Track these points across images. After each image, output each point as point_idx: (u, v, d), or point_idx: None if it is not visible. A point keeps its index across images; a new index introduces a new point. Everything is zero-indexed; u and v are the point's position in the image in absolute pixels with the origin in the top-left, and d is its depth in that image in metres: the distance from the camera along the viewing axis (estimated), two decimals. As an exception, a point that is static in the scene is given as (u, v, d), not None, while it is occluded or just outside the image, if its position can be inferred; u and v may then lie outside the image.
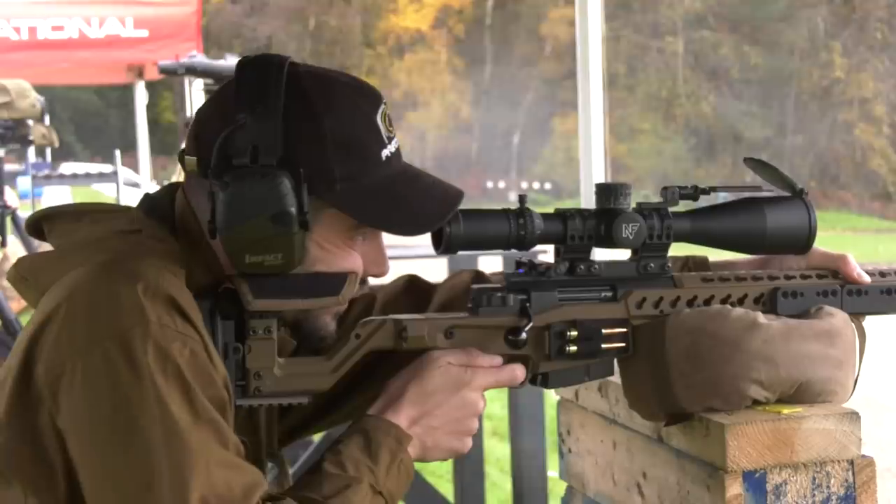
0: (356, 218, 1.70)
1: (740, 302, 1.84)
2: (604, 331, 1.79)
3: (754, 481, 1.72)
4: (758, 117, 41.54)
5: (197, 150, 1.70)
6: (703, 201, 1.87)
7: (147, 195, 1.81)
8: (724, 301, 1.83)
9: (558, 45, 32.31)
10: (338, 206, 1.68)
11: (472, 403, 1.74)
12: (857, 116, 41.73)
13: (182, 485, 1.48)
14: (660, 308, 1.81)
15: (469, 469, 4.94)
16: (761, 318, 1.78)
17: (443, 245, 1.73)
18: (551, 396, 5.34)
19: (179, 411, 1.51)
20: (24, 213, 7.25)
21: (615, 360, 1.86)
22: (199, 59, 7.44)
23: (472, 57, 35.44)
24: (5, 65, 8.59)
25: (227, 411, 1.59)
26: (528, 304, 1.77)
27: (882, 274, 1.92)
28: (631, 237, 1.78)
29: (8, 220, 6.48)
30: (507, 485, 5.96)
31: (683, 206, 1.85)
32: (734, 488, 1.71)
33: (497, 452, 7.07)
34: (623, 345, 1.81)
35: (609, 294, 1.82)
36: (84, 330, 1.55)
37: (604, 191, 1.79)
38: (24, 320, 5.73)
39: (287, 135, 1.64)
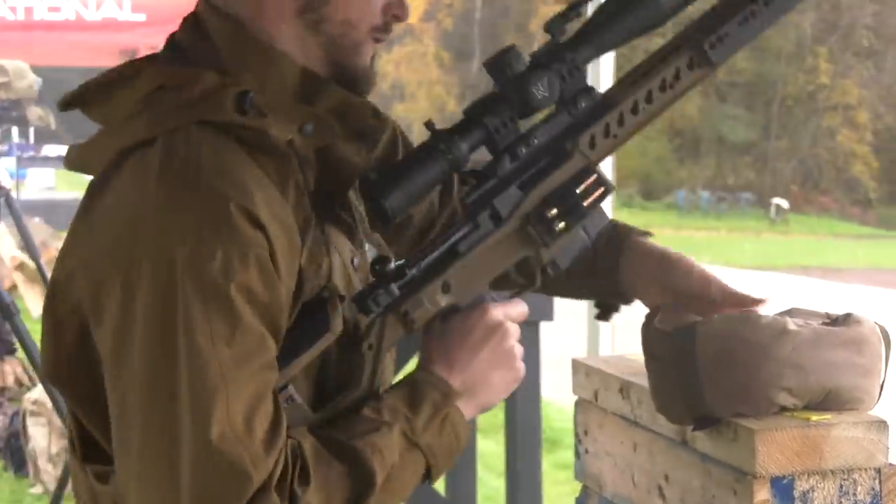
0: None
1: (676, 77, 1.75)
2: (577, 190, 1.71)
3: (782, 487, 1.73)
4: (742, 120, 41.69)
5: None
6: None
7: (170, 37, 1.69)
8: (662, 88, 1.74)
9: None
10: None
11: (514, 353, 1.70)
12: (841, 122, 41.88)
13: (205, 417, 1.42)
14: (613, 133, 1.73)
15: (460, 466, 4.95)
16: (790, 324, 1.78)
17: (387, 219, 1.62)
18: (546, 398, 5.33)
19: (214, 338, 1.43)
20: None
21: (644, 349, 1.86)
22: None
23: (459, 51, 35.46)
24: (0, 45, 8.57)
25: (281, 319, 1.52)
26: (499, 215, 1.69)
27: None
28: (547, 93, 1.67)
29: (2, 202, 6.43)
30: (495, 482, 5.98)
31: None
32: (762, 494, 1.72)
33: (482, 449, 7.08)
34: (602, 189, 1.73)
35: (559, 153, 1.72)
36: (131, 243, 1.47)
37: (495, 66, 1.67)
38: (20, 302, 5.72)
39: None
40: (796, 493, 1.74)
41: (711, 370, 1.76)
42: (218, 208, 1.46)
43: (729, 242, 29.47)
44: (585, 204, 1.71)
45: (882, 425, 1.77)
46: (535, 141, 1.69)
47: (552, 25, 1.68)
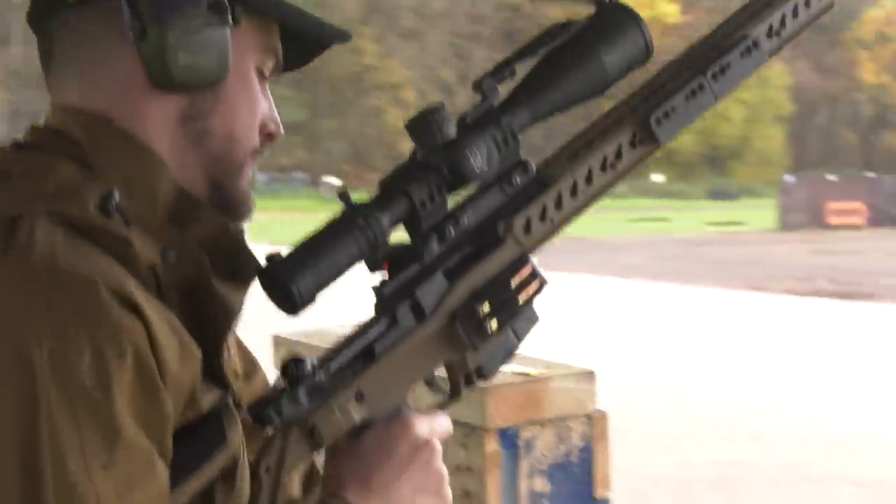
0: (280, 19, 1.42)
1: (617, 156, 1.49)
2: (511, 283, 1.44)
3: (508, 437, 1.89)
4: (292, 100, 42.28)
5: None
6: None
7: (13, 143, 1.39)
8: (602, 167, 1.48)
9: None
10: (259, 10, 1.39)
11: (443, 476, 1.45)
12: (388, 101, 43.23)
13: None
14: (550, 217, 1.46)
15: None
16: None
17: (293, 306, 1.34)
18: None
19: (89, 461, 1.16)
20: None
21: None
22: None
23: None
24: None
25: (168, 425, 1.25)
26: (422, 309, 1.41)
27: None
28: (486, 166, 1.42)
29: None
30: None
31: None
32: (491, 445, 1.88)
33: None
34: (538, 283, 1.46)
35: (491, 237, 1.45)
36: None
37: (420, 127, 1.40)
38: None
39: None
40: (521, 443, 1.91)
41: None
42: (82, 290, 1.18)
43: (284, 223, 29.89)
44: (520, 300, 1.45)
45: (591, 375, 1.96)
46: (464, 219, 1.42)
47: (484, 85, 1.43)
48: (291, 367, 1.34)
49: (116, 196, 1.27)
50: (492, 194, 1.44)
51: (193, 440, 1.27)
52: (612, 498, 2.20)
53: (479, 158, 1.40)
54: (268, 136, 1.43)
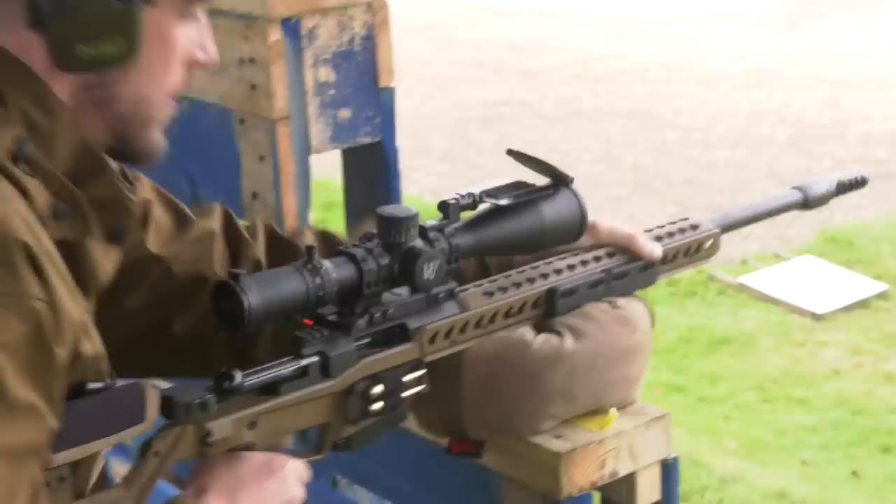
0: None
1: (520, 310, 1.72)
2: (403, 379, 1.61)
3: (291, 27, 1.90)
4: None
5: None
6: None
7: None
8: (506, 314, 1.70)
9: None
10: None
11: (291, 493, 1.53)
12: None
13: None
14: (451, 338, 1.66)
15: None
16: (568, 343, 1.74)
17: (243, 322, 1.44)
18: None
19: None
20: None
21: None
22: None
23: None
24: None
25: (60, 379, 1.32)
26: (329, 371, 1.55)
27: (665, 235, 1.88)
28: (432, 277, 1.59)
29: None
30: None
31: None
32: (274, 35, 1.88)
33: None
34: (422, 386, 1.64)
35: (401, 333, 1.62)
36: None
37: (392, 223, 1.57)
38: None
39: None
40: (303, 31, 1.91)
41: (476, 395, 1.75)
42: (3, 248, 1.24)
43: None
44: (404, 395, 1.62)
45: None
46: (391, 312, 1.59)
47: (449, 209, 1.63)
48: (224, 379, 1.43)
49: (31, 147, 1.31)
50: (418, 300, 1.61)
51: (112, 403, 1.35)
52: (396, 87, 2.23)
53: (430, 272, 1.58)
54: (199, 64, 1.44)
